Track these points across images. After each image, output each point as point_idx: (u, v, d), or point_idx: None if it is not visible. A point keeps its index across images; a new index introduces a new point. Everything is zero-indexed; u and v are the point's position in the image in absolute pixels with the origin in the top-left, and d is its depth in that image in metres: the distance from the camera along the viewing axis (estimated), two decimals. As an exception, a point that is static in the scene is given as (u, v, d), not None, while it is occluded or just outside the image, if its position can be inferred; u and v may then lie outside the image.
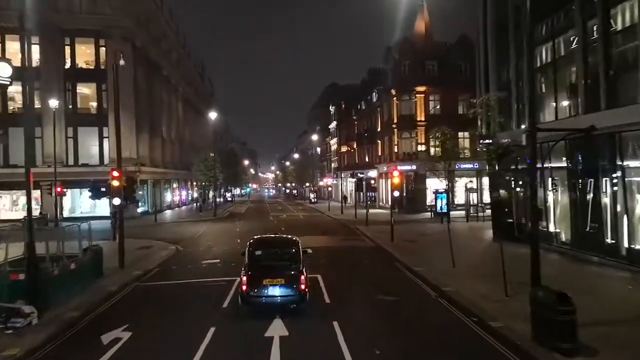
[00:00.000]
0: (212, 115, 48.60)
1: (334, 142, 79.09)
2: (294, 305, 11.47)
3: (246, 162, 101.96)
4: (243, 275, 11.67)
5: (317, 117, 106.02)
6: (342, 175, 71.43)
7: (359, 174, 53.62)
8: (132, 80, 43.75)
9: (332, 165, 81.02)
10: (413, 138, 44.65)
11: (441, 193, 40.31)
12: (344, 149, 70.33)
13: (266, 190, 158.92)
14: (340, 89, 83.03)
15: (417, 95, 44.08)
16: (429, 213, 41.86)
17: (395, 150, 45.57)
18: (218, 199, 75.85)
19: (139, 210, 44.80)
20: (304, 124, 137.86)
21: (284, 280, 11.39)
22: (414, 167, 44.14)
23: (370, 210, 47.45)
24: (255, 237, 14.11)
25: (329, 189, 71.54)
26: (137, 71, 46.57)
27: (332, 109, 79.44)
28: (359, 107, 62.05)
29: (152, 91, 51.76)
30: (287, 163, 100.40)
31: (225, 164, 68.54)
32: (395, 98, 45.28)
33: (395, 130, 45.57)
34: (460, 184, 44.49)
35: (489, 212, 35.74)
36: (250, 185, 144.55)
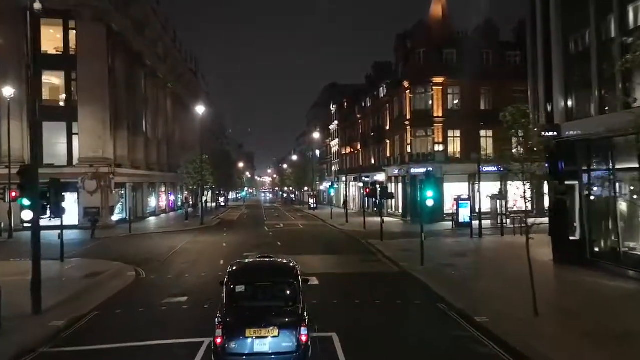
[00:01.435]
0: (200, 109, 42.48)
1: (335, 143, 73.12)
2: None
3: (241, 165, 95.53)
4: (218, 324, 7.88)
5: (317, 117, 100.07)
6: (344, 179, 65.38)
7: (364, 177, 47.64)
8: (106, 68, 37.71)
9: (333, 168, 75.01)
10: (429, 136, 38.65)
11: (463, 200, 34.39)
12: (346, 150, 64.36)
13: (263, 195, 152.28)
14: (341, 89, 77.14)
15: (433, 87, 38.14)
16: (449, 223, 35.93)
17: (409, 150, 39.56)
18: (210, 204, 69.78)
19: (115, 218, 38.65)
20: (303, 126, 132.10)
21: (277, 330, 7.77)
22: (430, 169, 38.03)
23: (377, 219, 41.51)
24: (238, 262, 9.96)
25: (332, 194, 65.46)
26: (115, 59, 40.51)
27: (333, 108, 73.50)
28: (363, 104, 56.13)
29: (133, 84, 45.73)
30: (285, 166, 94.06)
31: (218, 166, 62.43)
32: (408, 91, 39.32)
33: (408, 127, 39.58)
34: (482, 189, 38.54)
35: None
36: (246, 189, 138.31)
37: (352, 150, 60.56)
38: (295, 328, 7.84)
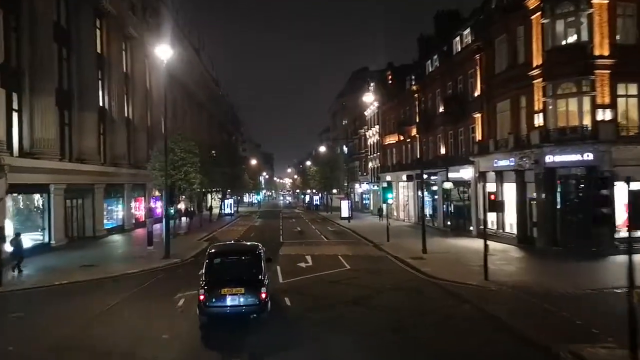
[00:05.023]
0: (164, 52, 24.10)
1: (372, 132, 54.70)
2: (254, 315, 10.49)
3: (254, 162, 77.57)
4: (202, 286, 10.56)
5: (344, 108, 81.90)
6: (388, 179, 47.06)
7: (432, 176, 29.33)
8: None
9: (370, 164, 56.65)
10: (584, 94, 20.08)
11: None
12: (391, 139, 45.95)
13: (282, 198, 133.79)
14: (374, 75, 58.84)
15: (591, 1, 19.59)
16: (624, 257, 17.34)
17: (539, 122, 21.05)
18: (218, 211, 51.97)
19: (29, 243, 20.98)
20: (325, 123, 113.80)
21: (243, 289, 10.40)
22: (589, 156, 19.55)
23: (459, 242, 23.63)
24: (216, 245, 13.03)
25: (390, 200, 47.60)
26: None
27: (370, 87, 55.08)
28: (421, 70, 37.66)
29: (76, 30, 28.46)
30: (309, 163, 75.58)
31: (220, 162, 44.87)
32: (538, 13, 20.85)
33: (538, 81, 21.11)
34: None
35: None
36: (264, 191, 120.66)
37: (402, 138, 42.17)
38: (257, 288, 10.39)
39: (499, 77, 24.43)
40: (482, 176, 26.69)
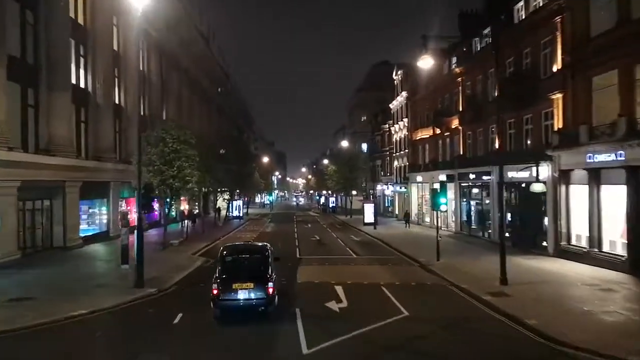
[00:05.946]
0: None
1: (399, 127, 48.04)
2: (262, 308, 10.97)
3: (266, 160, 71.24)
4: (215, 280, 11.11)
5: (362, 104, 75.36)
6: (420, 179, 40.45)
7: (484, 176, 22.73)
8: None
9: (395, 163, 49.99)
10: None
11: None
12: (423, 133, 39.29)
13: (294, 199, 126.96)
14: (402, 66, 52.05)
15: None
16: None
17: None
18: (226, 213, 45.57)
19: None
20: (340, 123, 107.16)
21: (252, 284, 10.99)
22: None
23: (534, 263, 17.24)
24: (228, 246, 13.16)
25: (442, 207, 41.24)
26: None
27: (396, 77, 48.48)
28: (468, 48, 31.02)
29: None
30: (326, 161, 68.80)
31: (229, 159, 38.81)
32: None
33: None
34: None
35: None
36: (276, 192, 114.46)
37: (439, 132, 35.57)
38: (265, 283, 11.02)
39: (597, 42, 17.76)
40: (564, 175, 20.05)
